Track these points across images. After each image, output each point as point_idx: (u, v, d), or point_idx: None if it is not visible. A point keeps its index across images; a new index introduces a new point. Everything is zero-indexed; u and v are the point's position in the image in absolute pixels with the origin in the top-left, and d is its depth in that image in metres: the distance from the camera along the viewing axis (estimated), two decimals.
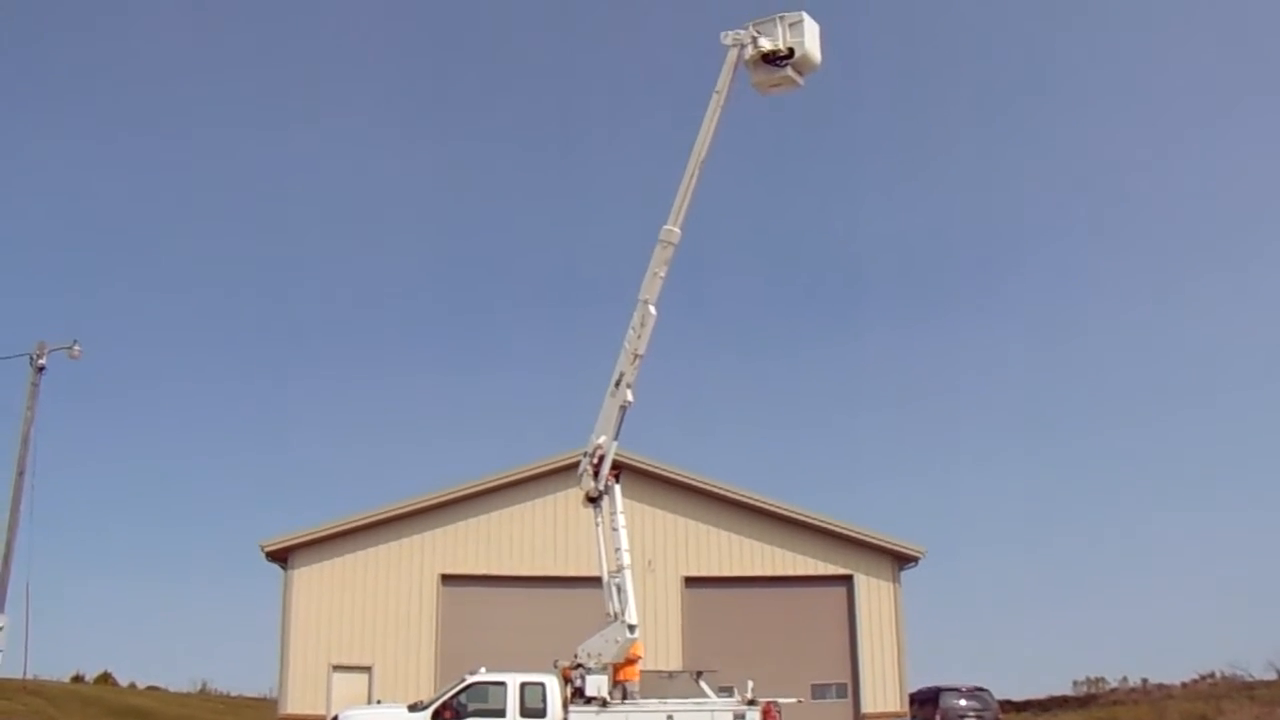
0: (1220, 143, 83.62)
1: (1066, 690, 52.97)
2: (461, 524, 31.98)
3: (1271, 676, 44.39)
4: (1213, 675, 48.44)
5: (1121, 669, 54.04)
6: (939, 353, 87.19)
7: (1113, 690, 51.55)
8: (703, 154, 21.62)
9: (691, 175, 21.69)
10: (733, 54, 21.11)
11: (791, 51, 20.33)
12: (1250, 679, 45.50)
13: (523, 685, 21.25)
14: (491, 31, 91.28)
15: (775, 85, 20.90)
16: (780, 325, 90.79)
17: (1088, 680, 53.50)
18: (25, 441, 32.88)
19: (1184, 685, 48.84)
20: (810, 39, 20.60)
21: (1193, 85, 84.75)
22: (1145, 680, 51.15)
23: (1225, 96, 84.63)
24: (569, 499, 27.68)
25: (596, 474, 22.63)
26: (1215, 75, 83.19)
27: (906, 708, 32.18)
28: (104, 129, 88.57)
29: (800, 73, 20.63)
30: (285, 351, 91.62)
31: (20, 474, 32.58)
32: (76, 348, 33.84)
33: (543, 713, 20.97)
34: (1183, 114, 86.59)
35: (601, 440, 22.58)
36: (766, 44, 20.65)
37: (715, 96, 21.46)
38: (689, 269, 61.38)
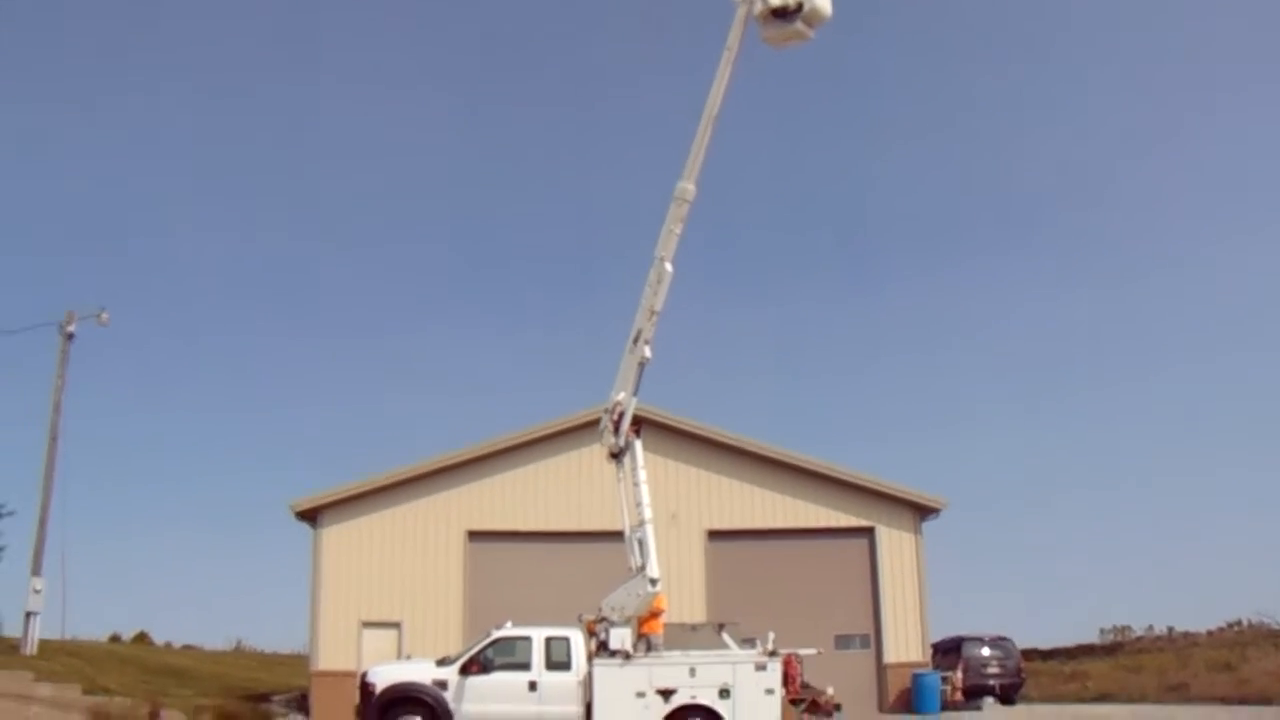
0: (1249, 108, 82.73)
1: (1093, 639, 53.12)
2: (487, 481, 32.22)
3: None
4: (1239, 623, 48.42)
5: (1147, 618, 54.26)
6: (960, 302, 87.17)
7: (1139, 639, 51.55)
8: (715, 110, 21.64)
9: (704, 132, 21.74)
10: (742, 9, 21.08)
11: (800, 5, 20.23)
12: (1276, 626, 45.48)
13: (548, 639, 21.63)
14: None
15: (786, 39, 20.80)
16: (801, 276, 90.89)
17: (1114, 629, 53.57)
18: (56, 408, 33.49)
19: (1209, 633, 48.83)
20: None
21: (1223, 52, 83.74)
22: (1171, 629, 51.17)
23: (1255, 65, 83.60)
24: (592, 455, 27.92)
25: (617, 430, 22.89)
26: (1245, 44, 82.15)
27: (929, 657, 32.45)
28: (127, 97, 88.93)
29: (810, 25, 20.47)
30: (312, 310, 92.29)
31: (53, 439, 33.20)
32: (105, 315, 34.41)
33: (568, 666, 21.38)
34: (1212, 76, 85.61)
35: (621, 397, 22.82)
36: None
37: (726, 53, 21.44)
38: (709, 221, 61.47)
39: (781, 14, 20.46)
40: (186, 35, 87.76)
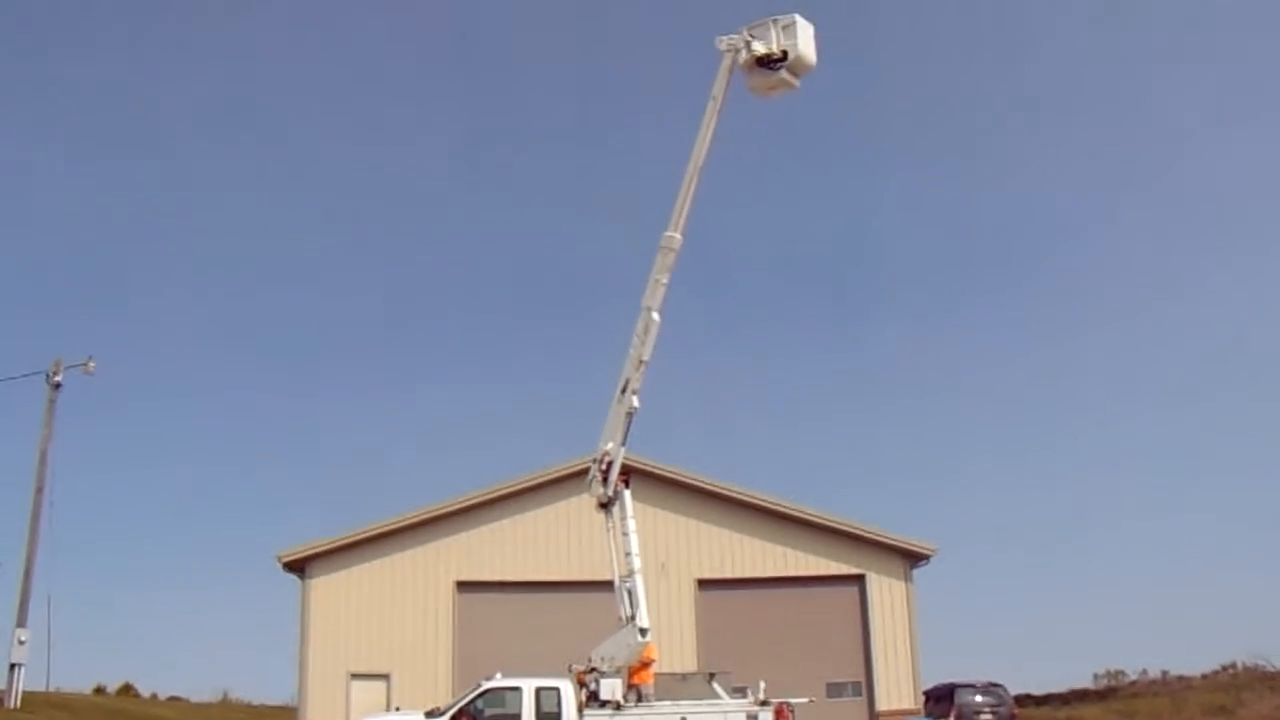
0: (1247, 137, 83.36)
1: (1086, 684, 52.97)
2: (475, 531, 32.24)
3: None
4: (1234, 666, 48.31)
5: (1141, 661, 53.92)
6: (949, 350, 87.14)
7: (1133, 683, 51.41)
8: (701, 160, 21.71)
9: (691, 181, 21.78)
10: (727, 59, 21.17)
11: (785, 54, 20.36)
12: (1271, 669, 45.36)
13: (538, 690, 21.46)
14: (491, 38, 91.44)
15: (771, 88, 20.95)
16: (793, 323, 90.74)
17: (1108, 673, 53.42)
18: (43, 458, 33.30)
19: (1204, 676, 48.69)
20: (804, 40, 20.60)
21: (1221, 84, 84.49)
22: (1165, 672, 51.00)
23: (1254, 96, 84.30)
24: (581, 504, 27.85)
25: (605, 480, 22.83)
26: (1243, 75, 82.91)
27: (921, 705, 32.30)
28: (111, 137, 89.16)
29: (795, 74, 20.65)
30: (299, 362, 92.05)
31: (39, 490, 32.99)
32: (91, 364, 34.28)
33: (558, 717, 21.19)
34: (1209, 108, 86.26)
35: (609, 447, 22.78)
36: (760, 48, 20.66)
37: (711, 102, 21.53)
38: (698, 267, 61.56)
39: (766, 63, 20.59)
40: (168, 80, 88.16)
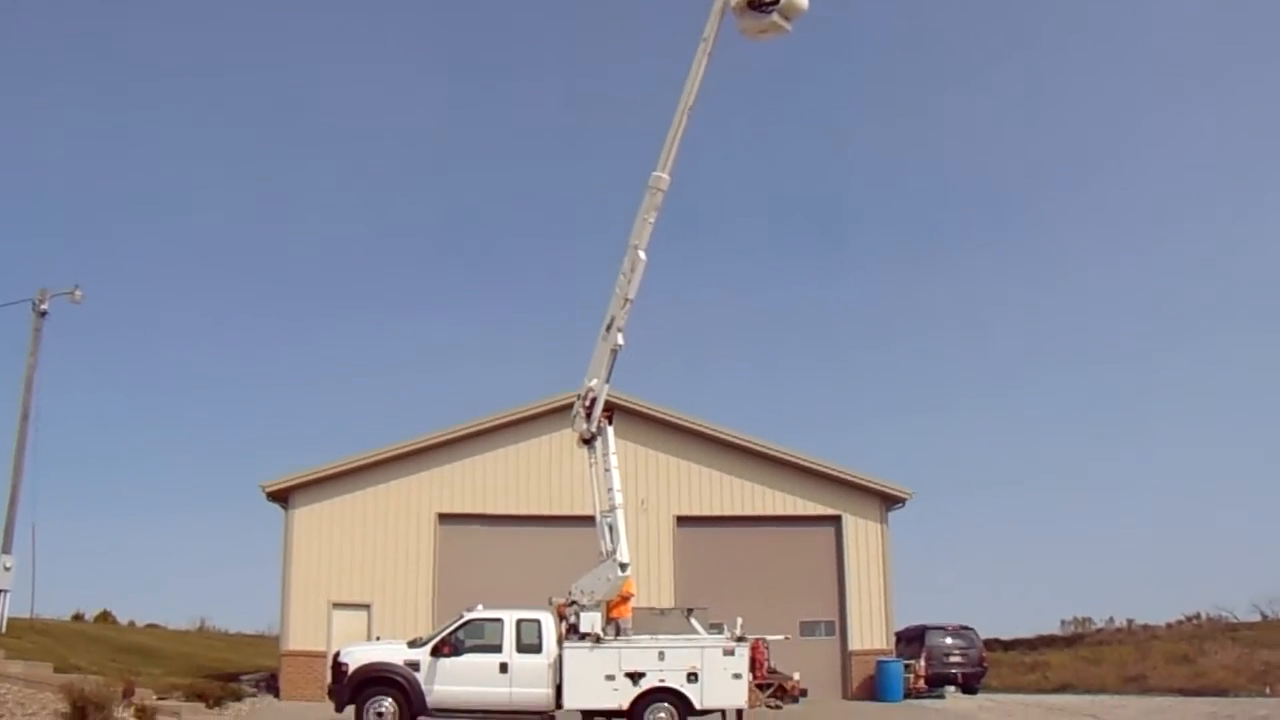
0: (1226, 93, 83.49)
1: (1054, 630, 53.84)
2: (458, 464, 32.43)
3: (1255, 618, 45.23)
4: (1198, 617, 49.23)
5: (1108, 610, 54.84)
6: (927, 293, 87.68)
7: (1099, 630, 52.33)
8: (690, 101, 21.64)
9: (679, 122, 21.70)
10: (719, 1, 21.21)
11: None
12: (1234, 620, 46.28)
13: (519, 621, 21.75)
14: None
15: (762, 31, 20.73)
16: (773, 263, 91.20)
17: (1074, 620, 54.34)
18: (29, 386, 33.43)
19: (1169, 626, 49.59)
20: None
21: (1195, 39, 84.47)
22: (1130, 621, 51.99)
23: (1233, 48, 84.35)
24: (564, 439, 28.06)
25: (589, 416, 23.02)
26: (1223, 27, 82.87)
27: (893, 646, 32.84)
28: (102, 70, 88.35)
29: (787, 18, 20.36)
30: (284, 290, 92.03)
31: (25, 418, 33.14)
32: (78, 292, 34.37)
33: (538, 648, 21.51)
34: (1183, 61, 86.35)
35: (593, 383, 22.93)
36: None
37: (701, 44, 21.37)
38: (682, 207, 61.53)
39: (758, 6, 20.44)
40: (167, 17, 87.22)
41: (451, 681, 21.29)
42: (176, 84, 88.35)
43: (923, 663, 33.04)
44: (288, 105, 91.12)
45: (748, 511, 32.80)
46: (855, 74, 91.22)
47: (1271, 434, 71.08)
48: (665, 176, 21.98)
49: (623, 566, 21.70)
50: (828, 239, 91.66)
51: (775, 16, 20.43)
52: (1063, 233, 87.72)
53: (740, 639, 21.55)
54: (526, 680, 21.26)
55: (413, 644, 22.11)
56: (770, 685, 21.90)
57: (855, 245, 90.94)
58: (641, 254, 22.09)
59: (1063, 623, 54.46)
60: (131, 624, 53.20)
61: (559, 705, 21.28)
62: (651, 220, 22.13)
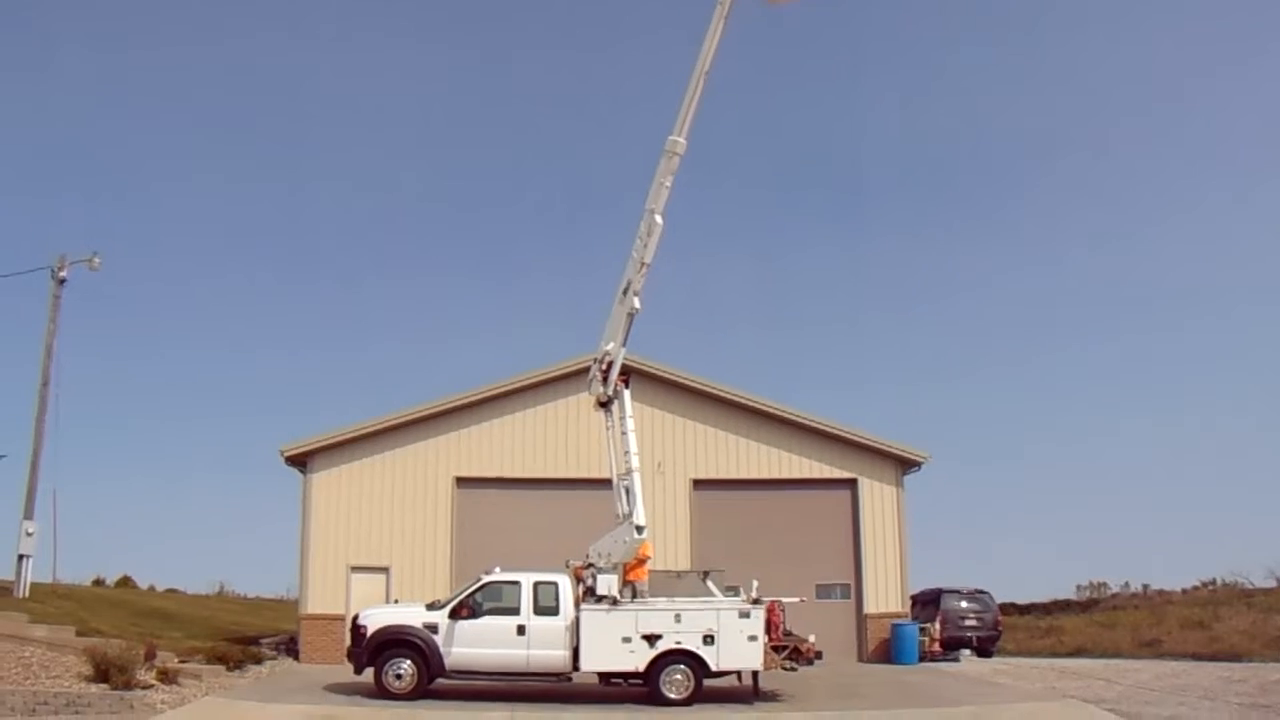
0: (1239, 67, 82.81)
1: (1069, 595, 53.92)
2: (476, 428, 32.45)
3: (1271, 584, 45.24)
4: (1213, 582, 49.31)
5: (1124, 575, 54.92)
6: (945, 258, 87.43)
7: (1114, 595, 52.42)
8: (706, 65, 21.70)
9: (696, 87, 21.79)
10: None
11: None
12: (1250, 586, 46.32)
13: (536, 584, 21.99)
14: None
15: None
16: (790, 229, 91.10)
17: (1090, 585, 54.42)
18: (48, 352, 33.65)
19: (1184, 592, 49.68)
20: None
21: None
22: (1146, 586, 52.08)
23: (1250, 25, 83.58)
24: (581, 403, 28.24)
25: (605, 379, 23.18)
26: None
27: (908, 609, 32.93)
28: (119, 38, 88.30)
29: None
30: (301, 256, 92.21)
31: (45, 384, 33.38)
32: (96, 259, 34.54)
33: (555, 610, 21.74)
34: (1201, 36, 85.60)
35: (610, 346, 23.08)
36: None
37: (718, 8, 21.43)
38: (699, 173, 61.46)
39: None
40: None
41: (469, 644, 21.53)
42: (200, 51, 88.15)
43: (938, 626, 33.14)
44: (305, 73, 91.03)
45: (764, 475, 32.83)
46: (874, 37, 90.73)
47: None
48: (682, 140, 22.04)
49: (639, 529, 21.88)
50: (846, 204, 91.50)
51: None
52: (1081, 199, 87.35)
53: (756, 601, 21.77)
54: (544, 642, 21.47)
55: (431, 606, 22.36)
56: (785, 648, 21.92)
57: (874, 211, 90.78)
58: (658, 218, 22.16)
59: (1078, 587, 54.61)
60: (151, 589, 53.60)
61: (576, 667, 21.51)
62: (668, 184, 22.19)
